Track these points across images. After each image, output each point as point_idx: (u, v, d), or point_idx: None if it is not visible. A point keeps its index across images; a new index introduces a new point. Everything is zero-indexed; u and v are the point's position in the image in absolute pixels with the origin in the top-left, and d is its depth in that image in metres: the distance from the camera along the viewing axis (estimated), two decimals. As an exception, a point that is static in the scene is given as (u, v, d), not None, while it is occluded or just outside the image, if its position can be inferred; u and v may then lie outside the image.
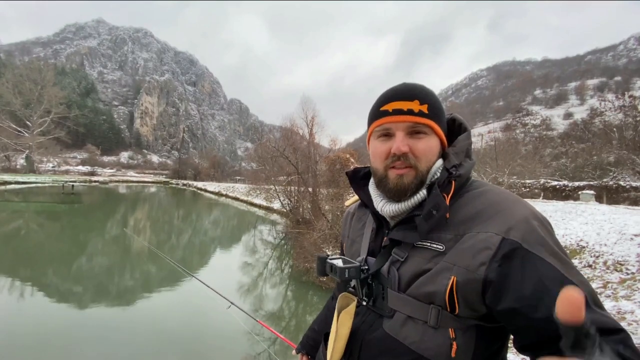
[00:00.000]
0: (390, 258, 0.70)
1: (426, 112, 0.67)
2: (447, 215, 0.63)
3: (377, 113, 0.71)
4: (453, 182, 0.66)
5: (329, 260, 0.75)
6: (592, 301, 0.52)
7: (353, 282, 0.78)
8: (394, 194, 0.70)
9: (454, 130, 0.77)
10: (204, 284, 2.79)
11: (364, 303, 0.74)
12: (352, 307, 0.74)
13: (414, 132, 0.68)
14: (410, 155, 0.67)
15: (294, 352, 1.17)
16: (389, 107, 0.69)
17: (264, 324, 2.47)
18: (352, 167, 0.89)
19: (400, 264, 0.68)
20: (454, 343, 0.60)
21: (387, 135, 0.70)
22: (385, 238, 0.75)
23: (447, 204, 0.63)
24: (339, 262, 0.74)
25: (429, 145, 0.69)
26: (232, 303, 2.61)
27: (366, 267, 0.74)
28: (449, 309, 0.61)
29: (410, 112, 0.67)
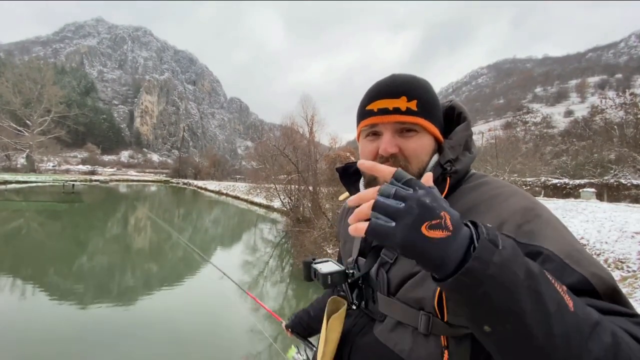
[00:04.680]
0: (379, 259, 0.65)
1: (415, 109, 0.61)
2: None
3: (362, 112, 0.66)
4: (448, 178, 0.60)
5: (313, 265, 0.71)
6: (607, 293, 0.46)
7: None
8: None
9: (454, 119, 0.70)
10: (223, 272, 2.79)
11: (354, 307, 0.69)
12: (341, 312, 0.71)
13: (403, 130, 0.63)
14: (399, 156, 0.62)
15: (283, 325, 1.17)
16: (374, 106, 0.63)
17: (273, 312, 2.49)
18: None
19: (389, 266, 0.64)
20: (446, 352, 0.55)
21: (375, 134, 0.65)
22: None
23: None
24: (323, 267, 0.69)
25: (420, 144, 0.63)
26: (244, 291, 2.63)
27: (352, 272, 0.68)
28: (439, 316, 0.55)
29: (396, 111, 0.61)
